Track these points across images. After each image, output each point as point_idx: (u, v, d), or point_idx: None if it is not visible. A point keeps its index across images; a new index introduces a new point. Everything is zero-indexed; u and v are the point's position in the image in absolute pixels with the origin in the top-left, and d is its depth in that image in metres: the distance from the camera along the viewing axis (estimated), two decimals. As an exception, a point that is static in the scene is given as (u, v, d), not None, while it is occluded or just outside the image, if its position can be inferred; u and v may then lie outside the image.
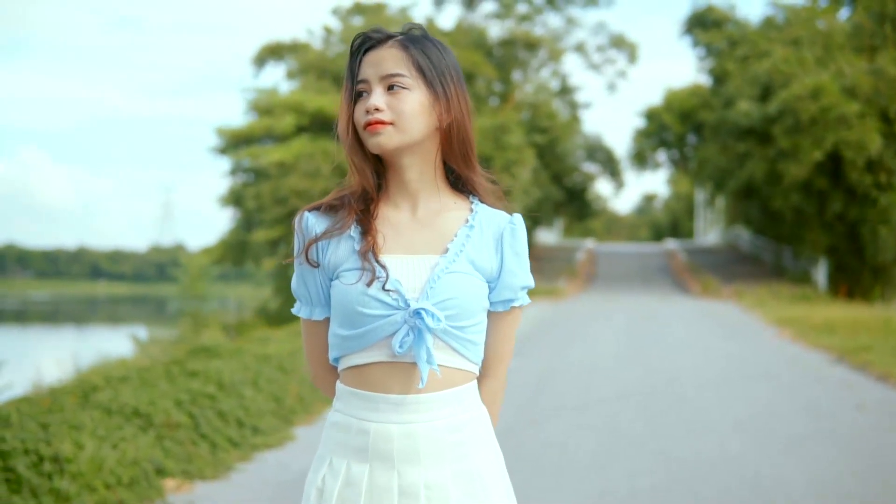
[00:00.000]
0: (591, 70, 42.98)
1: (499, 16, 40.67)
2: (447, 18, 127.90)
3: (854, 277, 28.77)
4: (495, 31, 40.20)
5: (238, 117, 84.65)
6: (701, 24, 36.66)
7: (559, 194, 42.30)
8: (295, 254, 2.10)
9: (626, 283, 31.72)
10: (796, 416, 8.63)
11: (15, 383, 9.76)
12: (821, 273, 29.25)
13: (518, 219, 2.12)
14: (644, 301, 24.63)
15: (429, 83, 2.03)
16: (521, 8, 40.79)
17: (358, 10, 35.65)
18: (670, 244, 50.00)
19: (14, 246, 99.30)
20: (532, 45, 39.61)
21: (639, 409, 8.97)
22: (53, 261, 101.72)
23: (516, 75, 40.70)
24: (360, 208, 2.08)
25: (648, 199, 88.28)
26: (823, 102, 26.42)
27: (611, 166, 47.43)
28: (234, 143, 31.34)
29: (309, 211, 2.12)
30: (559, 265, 37.06)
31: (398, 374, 2.00)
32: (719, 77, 34.70)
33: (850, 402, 9.44)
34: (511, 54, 39.52)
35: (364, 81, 2.04)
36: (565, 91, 43.38)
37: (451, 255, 2.03)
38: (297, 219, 2.12)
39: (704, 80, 40.36)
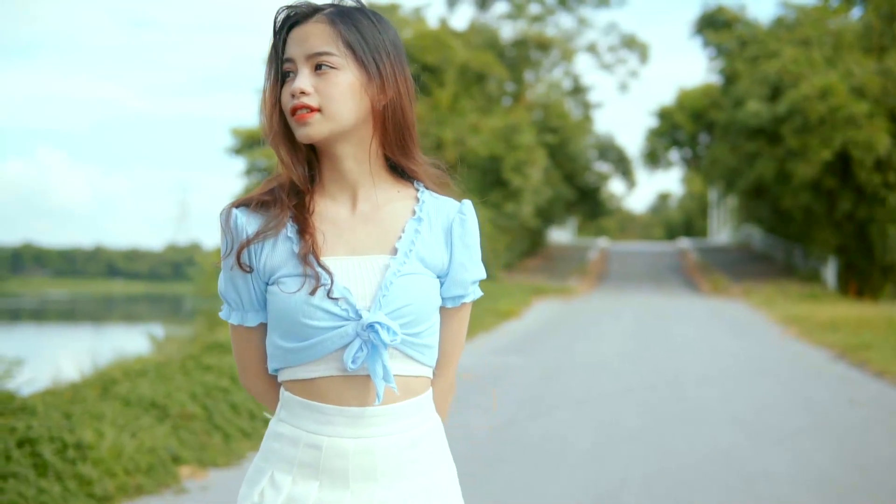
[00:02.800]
0: (602, 70, 43.28)
1: (511, 16, 40.96)
2: (460, 19, 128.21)
3: (863, 276, 28.98)
4: (508, 31, 40.56)
5: (253, 116, 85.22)
6: (711, 25, 36.85)
7: (571, 194, 42.57)
8: (222, 255, 1.88)
9: (638, 281, 31.96)
10: (790, 411, 8.91)
11: (34, 380, 10.07)
12: (830, 272, 29.44)
13: (468, 206, 1.94)
14: (653, 300, 24.89)
15: (360, 62, 1.83)
16: (534, 8, 41.08)
17: (372, 8, 35.96)
18: (683, 243, 50.23)
19: (31, 245, 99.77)
20: (544, 45, 39.94)
21: (639, 405, 9.26)
22: (70, 260, 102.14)
23: (528, 75, 41.01)
24: (294, 203, 1.87)
25: (663, 198, 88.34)
26: (832, 102, 26.66)
27: (623, 166, 47.67)
28: (249, 143, 31.75)
29: (237, 207, 1.89)
30: (571, 264, 37.36)
31: (352, 387, 1.82)
32: (729, 77, 34.90)
33: (844, 397, 9.72)
34: (523, 55, 39.84)
35: (290, 61, 1.84)
36: (577, 91, 43.65)
37: (401, 255, 1.85)
38: (222, 216, 1.89)
39: (715, 79, 40.55)
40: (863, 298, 27.12)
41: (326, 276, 1.80)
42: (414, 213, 1.90)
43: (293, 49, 1.83)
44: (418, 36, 32.37)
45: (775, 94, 28.96)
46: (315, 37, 1.82)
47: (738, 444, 7.35)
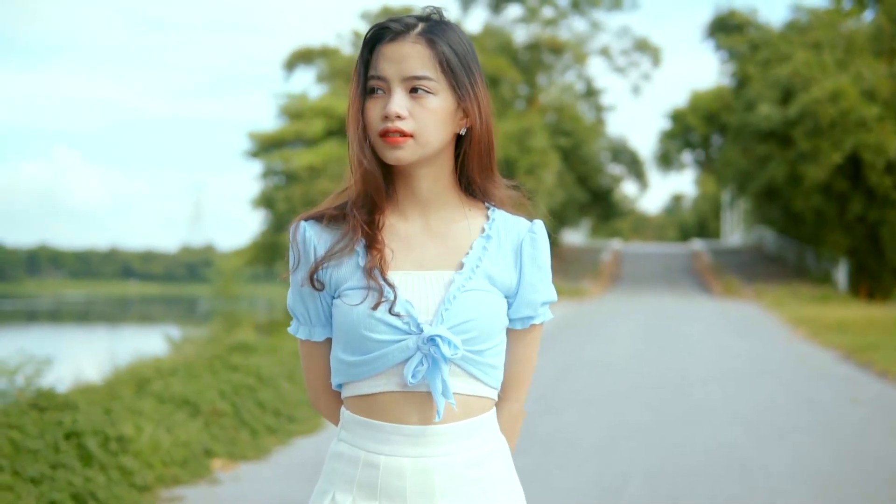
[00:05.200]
0: (615, 73, 43.59)
1: (524, 20, 41.32)
2: (474, 22, 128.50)
3: (875, 278, 29.22)
4: (521, 35, 40.93)
5: (268, 117, 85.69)
6: (723, 29, 37.16)
7: (584, 196, 42.88)
8: (290, 269, 1.90)
9: (650, 283, 32.24)
10: (791, 410, 9.25)
11: (58, 380, 10.45)
12: (841, 274, 29.69)
13: (539, 226, 1.92)
14: (665, 301, 25.17)
15: (455, 85, 1.82)
16: (547, 12, 41.42)
17: (386, 13, 36.41)
18: (696, 245, 50.41)
19: (47, 247, 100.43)
20: (557, 48, 40.30)
21: (644, 404, 9.60)
22: (86, 261, 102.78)
23: (541, 79, 41.35)
24: (364, 219, 1.86)
25: (677, 200, 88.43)
26: (843, 106, 26.95)
27: (635, 168, 47.94)
28: (266, 146, 32.22)
29: (306, 220, 1.90)
30: (584, 266, 37.62)
31: (412, 404, 1.81)
32: (741, 80, 35.19)
33: (846, 396, 10.04)
34: (536, 58, 40.21)
35: (381, 79, 1.81)
36: (590, 94, 43.98)
37: (466, 270, 1.84)
38: (292, 229, 1.89)
39: (727, 82, 40.84)
40: (874, 300, 27.35)
41: (389, 291, 1.80)
42: (483, 230, 1.90)
43: (387, 68, 1.80)
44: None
45: (786, 97, 29.24)
46: (413, 59, 1.80)
47: (738, 441, 7.69)
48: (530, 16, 41.05)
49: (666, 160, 50.61)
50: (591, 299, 26.59)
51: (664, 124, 50.74)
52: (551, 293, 1.92)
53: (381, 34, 1.83)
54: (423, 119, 1.79)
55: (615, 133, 58.26)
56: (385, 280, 1.81)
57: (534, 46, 40.18)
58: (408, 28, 1.82)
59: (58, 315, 52.32)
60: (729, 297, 27.42)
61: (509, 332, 1.92)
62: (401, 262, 1.85)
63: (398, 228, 1.88)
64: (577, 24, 46.38)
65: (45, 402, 5.83)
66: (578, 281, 31.82)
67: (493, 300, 1.84)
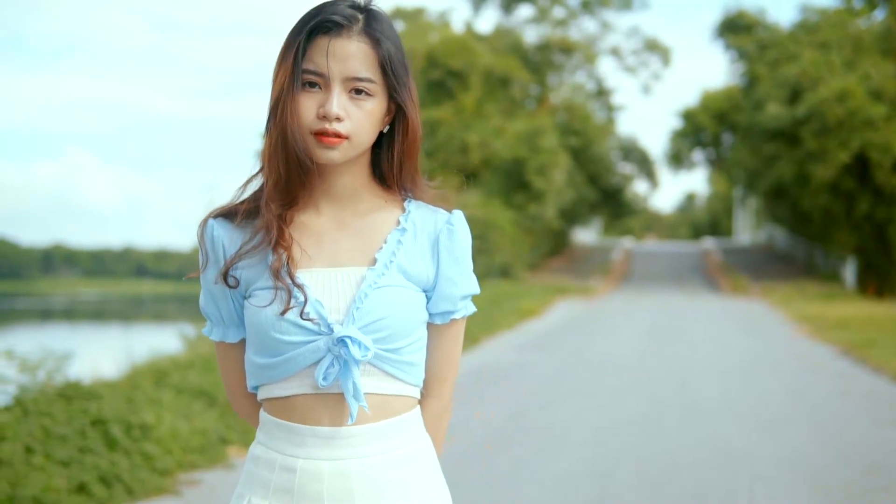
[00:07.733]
0: (625, 73, 43.90)
1: (535, 20, 41.67)
2: (485, 23, 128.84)
3: (882, 276, 29.42)
4: (532, 35, 41.31)
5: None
6: (732, 29, 37.41)
7: (595, 195, 43.17)
8: (200, 268, 1.82)
9: (659, 282, 32.47)
10: (783, 402, 9.60)
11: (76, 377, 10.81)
12: (849, 272, 29.90)
13: (458, 217, 1.85)
14: (673, 300, 25.41)
15: (394, 86, 1.77)
16: (558, 12, 41.76)
17: (398, 14, 36.76)
18: (707, 243, 50.63)
19: (62, 246, 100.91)
20: (567, 49, 40.64)
21: (642, 397, 9.95)
22: (100, 260, 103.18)
23: (552, 79, 41.70)
24: (276, 213, 1.77)
25: (690, 198, 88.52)
26: (850, 105, 27.21)
27: (645, 167, 48.21)
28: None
29: (214, 218, 1.82)
30: (594, 264, 37.94)
31: (326, 406, 1.75)
32: (750, 80, 35.46)
33: (838, 390, 10.38)
34: (547, 58, 40.56)
35: (320, 75, 1.73)
36: (601, 94, 44.29)
37: (379, 266, 1.77)
38: (199, 228, 1.81)
39: (737, 81, 41.09)
40: (882, 298, 27.53)
41: (299, 293, 1.74)
42: (398, 223, 1.83)
43: (331, 64, 1.73)
44: (444, 41, 33.12)
45: (795, 96, 29.49)
46: (358, 59, 1.74)
47: (726, 429, 8.05)
48: (541, 16, 41.41)
49: (677, 159, 50.84)
50: (599, 297, 26.89)
51: (675, 123, 51.04)
52: (471, 286, 1.87)
53: (322, 25, 1.75)
54: (360, 121, 1.74)
55: (625, 132, 58.46)
56: (294, 281, 1.75)
57: (544, 47, 40.56)
58: (350, 22, 1.75)
59: (73, 313, 52.57)
60: (737, 296, 27.66)
61: (430, 326, 1.86)
62: (312, 259, 1.79)
63: (310, 224, 1.81)
64: (588, 25, 46.69)
65: (71, 392, 6.24)
66: (587, 279, 32.13)
67: (408, 296, 1.79)
